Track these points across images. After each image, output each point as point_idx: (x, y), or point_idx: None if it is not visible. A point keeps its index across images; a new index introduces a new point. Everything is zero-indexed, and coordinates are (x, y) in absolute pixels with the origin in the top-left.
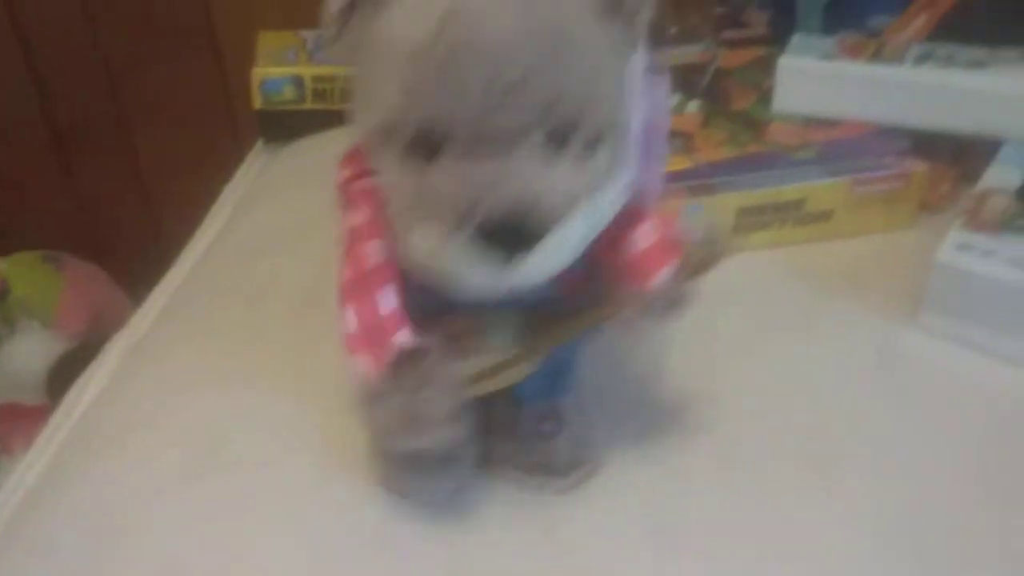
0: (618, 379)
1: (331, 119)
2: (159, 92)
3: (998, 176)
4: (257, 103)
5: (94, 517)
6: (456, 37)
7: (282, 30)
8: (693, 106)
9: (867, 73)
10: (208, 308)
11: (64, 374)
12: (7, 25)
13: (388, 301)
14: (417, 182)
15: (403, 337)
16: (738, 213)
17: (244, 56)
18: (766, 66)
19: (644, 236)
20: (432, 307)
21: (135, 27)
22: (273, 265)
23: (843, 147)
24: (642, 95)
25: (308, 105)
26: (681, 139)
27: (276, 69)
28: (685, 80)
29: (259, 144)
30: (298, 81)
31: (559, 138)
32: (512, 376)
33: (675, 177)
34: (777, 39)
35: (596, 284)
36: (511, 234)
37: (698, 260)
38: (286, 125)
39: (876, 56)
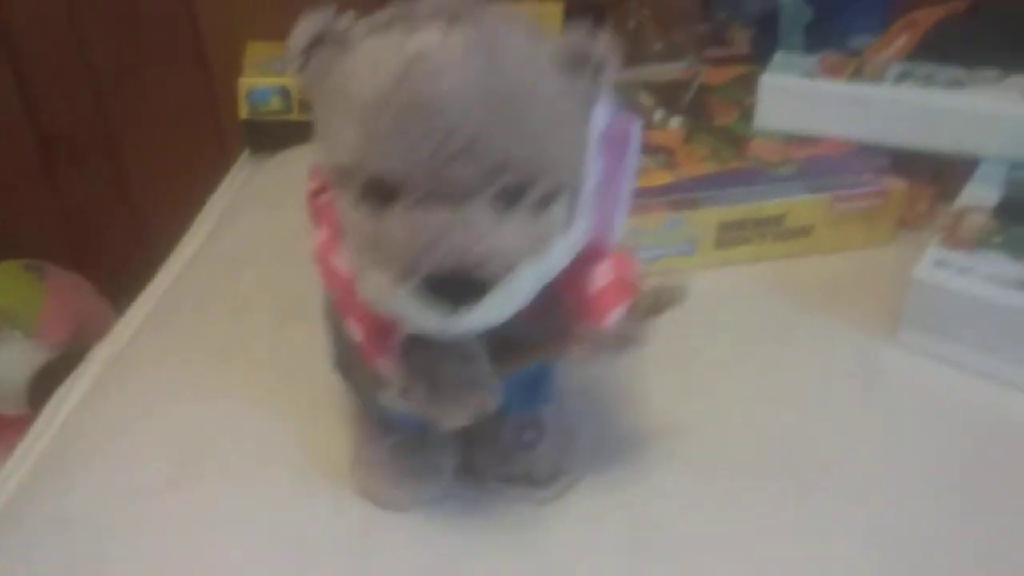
0: (597, 392)
1: None
2: (146, 102)
3: (975, 194)
4: (243, 113)
5: (75, 526)
6: (409, 97)
7: (270, 41)
8: (676, 122)
9: (848, 91)
10: (191, 318)
11: (46, 384)
12: None
13: None
14: (370, 226)
15: (404, 334)
16: (719, 228)
17: (231, 66)
18: (748, 83)
19: (601, 275)
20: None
21: (122, 36)
22: (257, 276)
23: (823, 164)
24: (606, 145)
25: (295, 116)
26: (664, 154)
27: (263, 79)
28: (668, 96)
29: (245, 154)
30: (285, 92)
31: (508, 197)
32: None
33: (657, 192)
34: (759, 57)
35: (553, 317)
36: (457, 288)
37: (652, 302)
38: (272, 135)
39: (857, 75)
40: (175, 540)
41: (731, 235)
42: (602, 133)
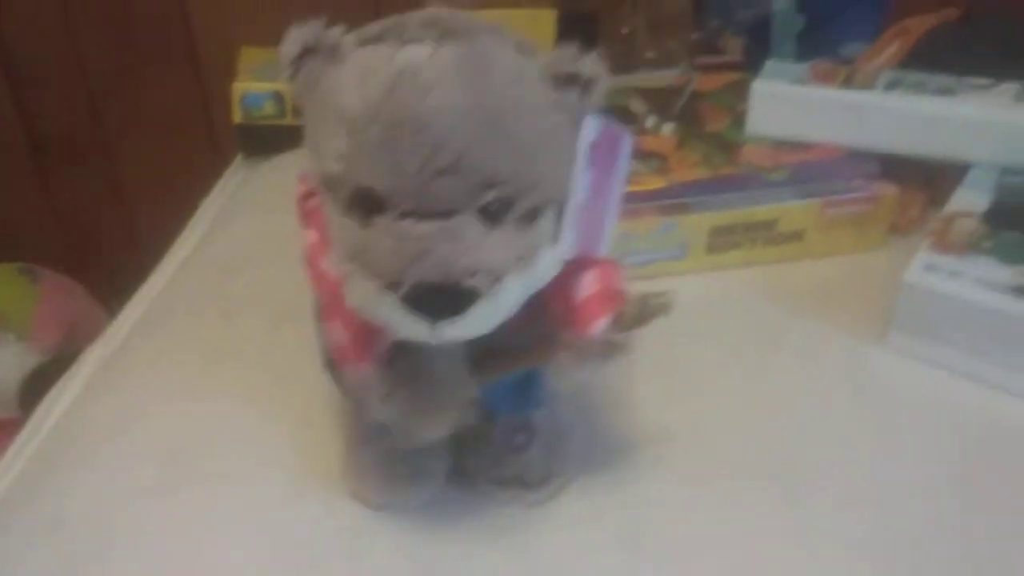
0: (588, 395)
1: None
2: (139, 105)
3: (965, 199)
4: (237, 117)
5: (67, 528)
6: (397, 112)
7: (264, 46)
8: (668, 128)
9: (839, 98)
10: (184, 321)
11: (37, 387)
12: None
13: None
14: (356, 236)
15: (385, 340)
16: (711, 232)
17: (225, 71)
18: (740, 90)
19: (587, 284)
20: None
21: (116, 40)
22: (250, 279)
23: (815, 170)
24: (595, 157)
25: (288, 120)
26: (656, 160)
27: (257, 84)
28: (661, 103)
29: (238, 158)
30: (278, 96)
31: (495, 211)
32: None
33: (650, 196)
34: (751, 65)
35: (540, 324)
36: (443, 300)
37: (638, 312)
38: (266, 140)
39: (848, 82)
40: (167, 542)
41: (722, 240)
42: (591, 145)
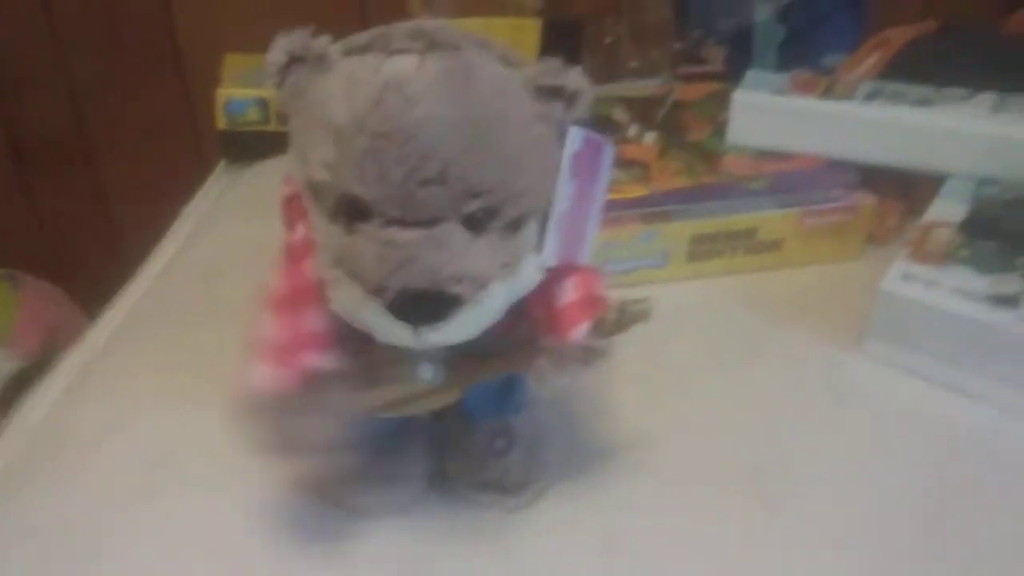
0: (569, 401)
1: None
2: (124, 112)
3: (942, 209)
4: (221, 123)
5: (45, 535)
6: (383, 122)
7: (248, 53)
8: (650, 137)
9: (818, 108)
10: (164, 326)
11: (18, 393)
12: None
13: (314, 321)
14: (341, 242)
15: (315, 359)
16: (692, 240)
17: (209, 77)
18: (721, 100)
19: (568, 291)
20: (359, 332)
21: (100, 45)
22: (231, 285)
23: (794, 179)
24: (577, 167)
25: (271, 127)
26: (638, 168)
27: (241, 90)
28: (643, 112)
29: (222, 165)
30: (262, 103)
31: (478, 223)
32: (431, 404)
33: (631, 204)
34: (733, 75)
35: (521, 330)
36: (428, 306)
37: (618, 318)
38: (249, 146)
39: (827, 92)
40: (145, 549)
41: (703, 248)
42: (574, 155)
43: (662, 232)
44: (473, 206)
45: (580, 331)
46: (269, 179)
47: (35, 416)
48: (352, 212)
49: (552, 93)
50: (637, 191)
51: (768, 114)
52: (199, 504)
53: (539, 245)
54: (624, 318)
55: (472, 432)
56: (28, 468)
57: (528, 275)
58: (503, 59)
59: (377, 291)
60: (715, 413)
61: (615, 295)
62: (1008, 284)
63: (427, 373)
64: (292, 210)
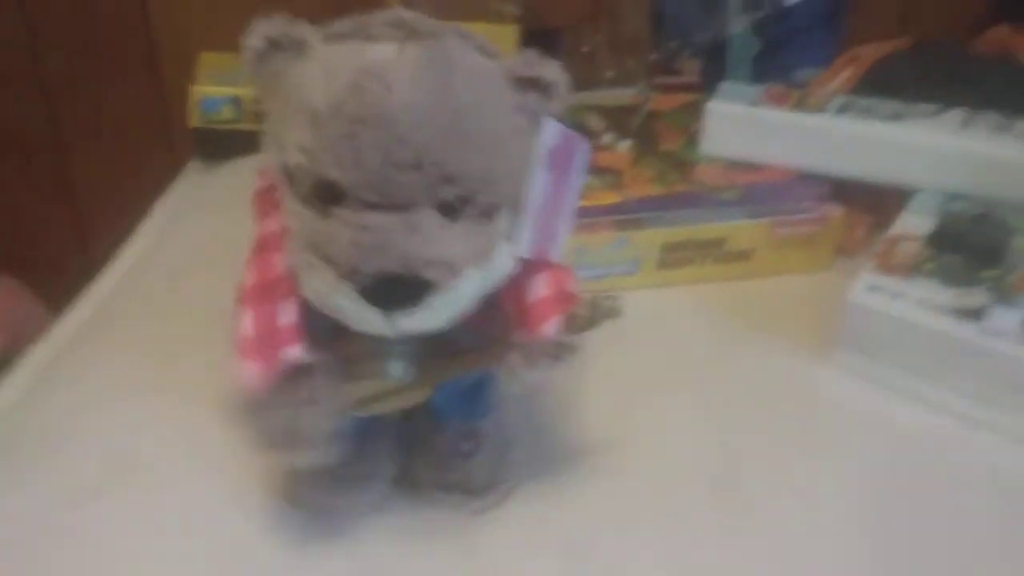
0: (536, 404)
1: None
2: (97, 108)
3: (910, 223)
4: (194, 121)
5: (6, 529)
6: (361, 108)
7: (223, 51)
8: (624, 145)
9: (790, 121)
10: (130, 323)
11: None
12: None
13: (288, 313)
14: (314, 227)
15: (295, 352)
16: (663, 248)
17: (183, 74)
18: (695, 110)
19: (540, 286)
20: (330, 327)
21: (74, 41)
22: (200, 282)
23: (765, 190)
24: (553, 161)
25: (245, 125)
26: (611, 175)
27: (215, 88)
28: (618, 120)
29: (194, 162)
30: (236, 101)
31: (452, 209)
32: (402, 401)
33: (604, 211)
34: (708, 86)
35: (492, 326)
36: (401, 291)
37: (589, 314)
38: (222, 144)
39: (800, 105)
40: (109, 544)
41: (674, 256)
42: (550, 149)
43: (633, 239)
44: (448, 192)
45: (551, 326)
46: (242, 177)
47: None
48: (327, 196)
49: (529, 83)
50: (610, 198)
51: (741, 125)
52: (161, 499)
53: (512, 235)
54: (596, 314)
55: (439, 432)
56: None
57: (501, 264)
58: (481, 49)
59: (351, 275)
60: (682, 420)
61: (587, 292)
62: (972, 297)
63: (397, 370)
64: (264, 203)
